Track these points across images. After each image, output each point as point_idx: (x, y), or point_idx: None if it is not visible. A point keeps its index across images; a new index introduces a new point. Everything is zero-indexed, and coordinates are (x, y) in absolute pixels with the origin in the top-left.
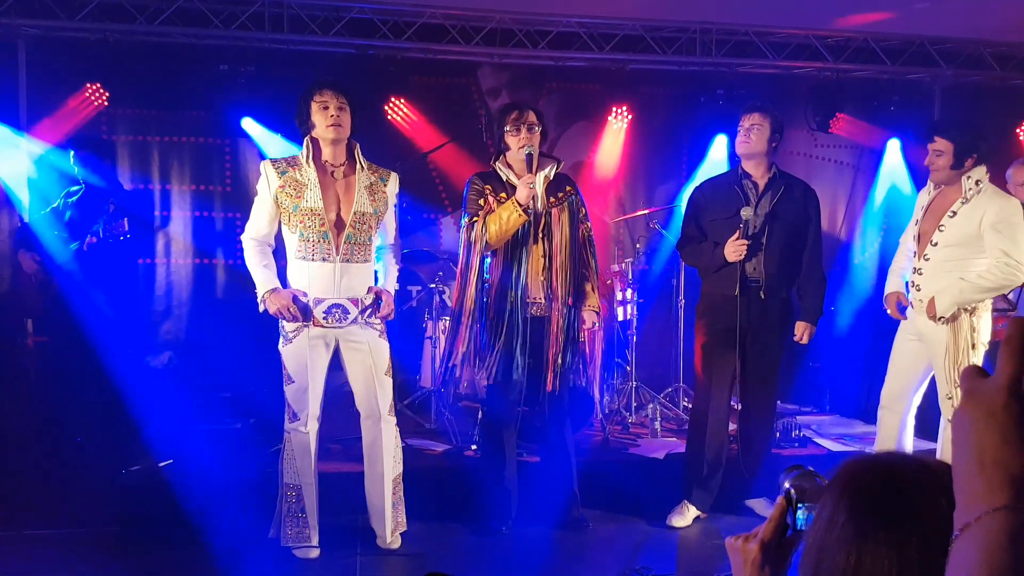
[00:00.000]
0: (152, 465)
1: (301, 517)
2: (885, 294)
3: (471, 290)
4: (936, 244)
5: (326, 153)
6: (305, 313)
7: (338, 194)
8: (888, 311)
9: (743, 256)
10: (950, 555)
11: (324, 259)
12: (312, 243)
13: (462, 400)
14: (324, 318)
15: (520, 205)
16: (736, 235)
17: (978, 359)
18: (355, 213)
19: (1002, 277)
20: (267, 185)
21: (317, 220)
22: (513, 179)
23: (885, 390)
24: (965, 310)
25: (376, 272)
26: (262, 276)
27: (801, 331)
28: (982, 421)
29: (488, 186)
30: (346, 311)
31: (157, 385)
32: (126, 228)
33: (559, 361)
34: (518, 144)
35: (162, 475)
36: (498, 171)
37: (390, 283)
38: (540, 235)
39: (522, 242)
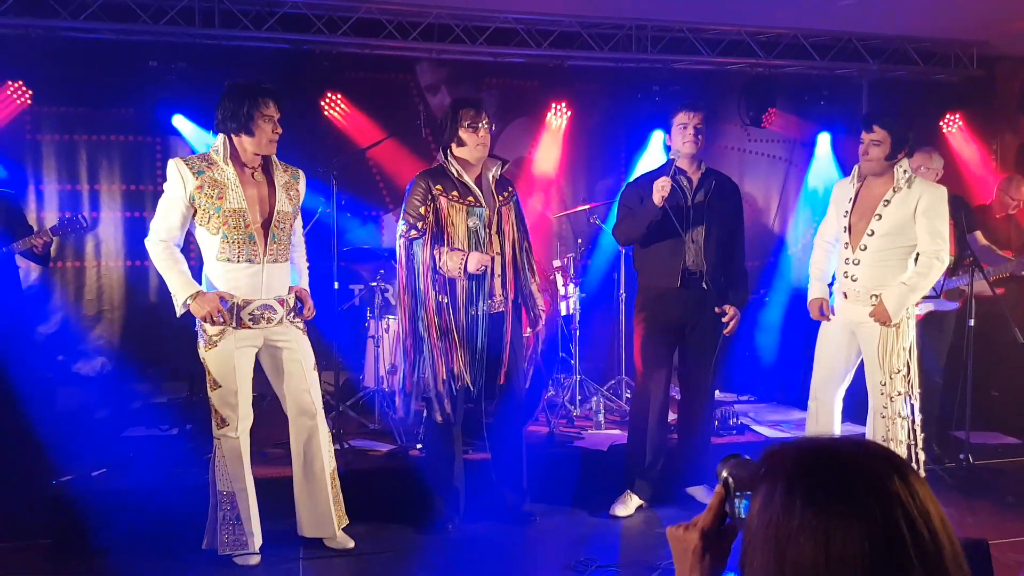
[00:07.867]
0: (85, 475)
1: (237, 524)
2: (809, 299)
3: (430, 305)
4: (873, 234)
5: (246, 155)
6: (233, 316)
7: (260, 194)
8: (812, 316)
9: (667, 192)
10: None
11: (250, 261)
12: (237, 245)
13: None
14: (251, 320)
15: (466, 272)
16: (662, 180)
17: (910, 338)
18: (278, 212)
19: (941, 266)
20: (182, 185)
21: (242, 221)
22: (465, 177)
23: (814, 381)
24: None
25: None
26: (181, 280)
27: (732, 313)
28: None
29: (438, 186)
30: (274, 311)
31: (89, 392)
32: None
33: (513, 356)
34: (475, 142)
35: (95, 484)
36: (448, 168)
37: (304, 281)
38: (495, 233)
39: (483, 242)
